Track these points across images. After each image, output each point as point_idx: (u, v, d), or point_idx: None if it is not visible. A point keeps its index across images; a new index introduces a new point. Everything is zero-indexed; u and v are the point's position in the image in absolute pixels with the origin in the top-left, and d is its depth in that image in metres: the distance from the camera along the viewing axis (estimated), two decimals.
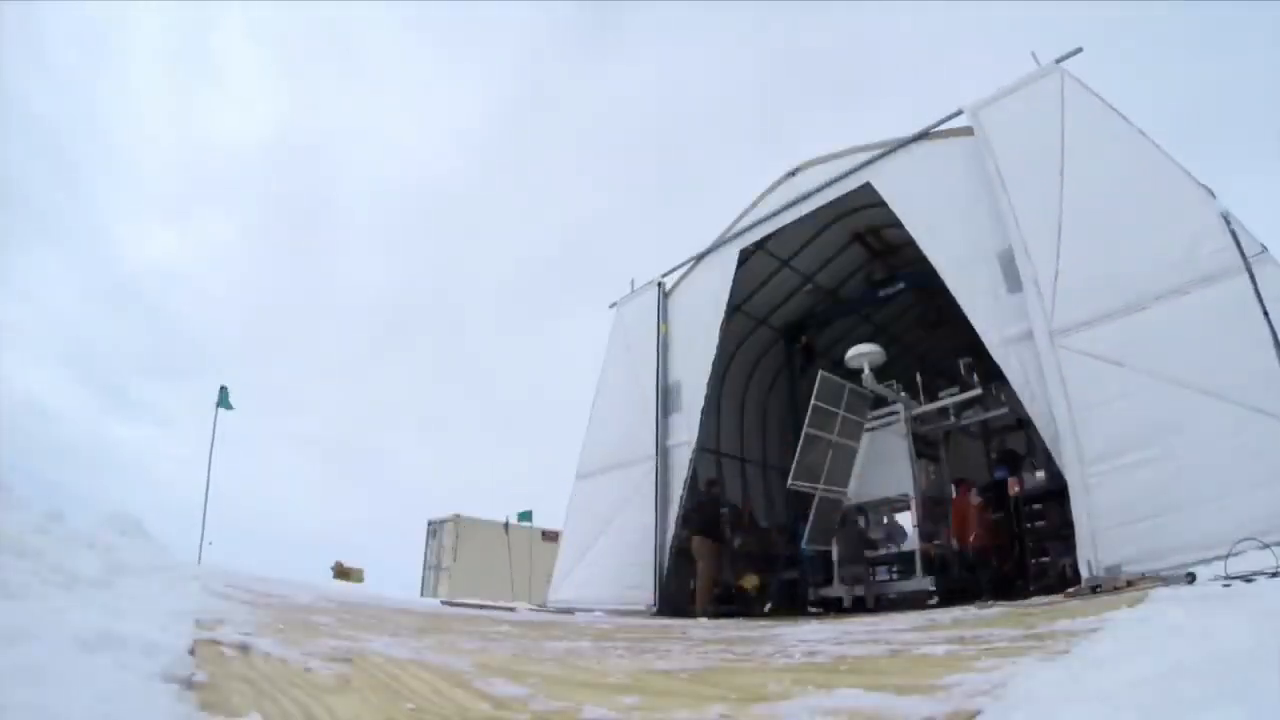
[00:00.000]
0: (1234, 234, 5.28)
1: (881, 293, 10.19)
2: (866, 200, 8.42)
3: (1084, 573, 5.37)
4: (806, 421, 8.30)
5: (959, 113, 7.37)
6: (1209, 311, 5.33)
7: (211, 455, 7.47)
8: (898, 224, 7.69)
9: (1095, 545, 5.37)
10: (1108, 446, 5.63)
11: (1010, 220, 6.68)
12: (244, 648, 1.24)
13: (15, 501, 2.20)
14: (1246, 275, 5.18)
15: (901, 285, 9.75)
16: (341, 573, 6.43)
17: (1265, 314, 5.02)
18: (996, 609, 4.32)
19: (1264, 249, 5.15)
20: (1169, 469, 5.21)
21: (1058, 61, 6.54)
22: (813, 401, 8.36)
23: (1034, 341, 6.18)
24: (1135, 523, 5.34)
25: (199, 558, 5.30)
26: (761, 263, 10.23)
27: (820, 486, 8.39)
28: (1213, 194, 5.56)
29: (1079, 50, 6.45)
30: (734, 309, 10.00)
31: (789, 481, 8.16)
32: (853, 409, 8.94)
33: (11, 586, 1.06)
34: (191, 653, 1.08)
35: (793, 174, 8.88)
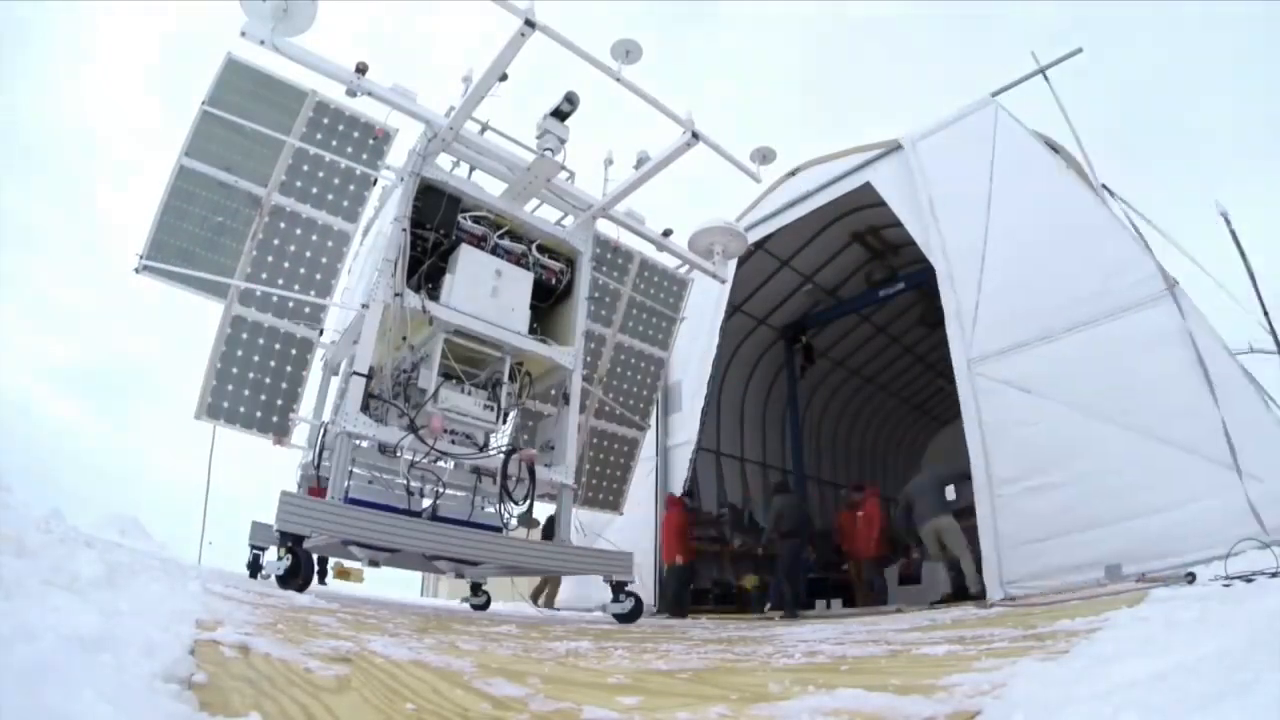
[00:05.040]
0: (1161, 268, 5.46)
1: (881, 293, 10.22)
2: (866, 200, 8.44)
3: (991, 590, 5.65)
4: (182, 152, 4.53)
5: (898, 146, 7.69)
6: (1116, 344, 5.59)
7: (211, 455, 7.45)
8: (897, 224, 7.71)
9: (1000, 564, 5.66)
10: (1015, 470, 5.91)
11: (939, 252, 6.98)
12: (244, 648, 1.23)
13: (15, 501, 2.20)
14: (1151, 310, 5.44)
15: (901, 285, 9.78)
16: (341, 573, 6.42)
17: (1193, 341, 5.18)
18: (996, 609, 4.32)
19: (1175, 283, 5.39)
20: (1071, 493, 5.48)
21: (1057, 62, 6.55)
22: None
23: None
24: (1037, 542, 5.60)
25: (199, 558, 5.29)
26: (761, 263, 10.25)
27: (196, 274, 4.48)
28: (1136, 230, 5.71)
29: (1079, 50, 6.46)
30: (734, 309, 10.02)
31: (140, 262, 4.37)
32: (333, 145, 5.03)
33: (11, 586, 1.05)
34: (191, 653, 1.08)
35: (792, 174, 8.91)
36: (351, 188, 5.13)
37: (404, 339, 4.59)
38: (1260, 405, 4.91)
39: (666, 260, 6.80)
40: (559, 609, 8.13)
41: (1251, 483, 4.72)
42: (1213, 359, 5.12)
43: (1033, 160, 6.53)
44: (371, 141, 5.18)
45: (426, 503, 4.57)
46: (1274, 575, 3.03)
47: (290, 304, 4.94)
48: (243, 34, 3.99)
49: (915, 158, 7.47)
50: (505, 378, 4.84)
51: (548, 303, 5.57)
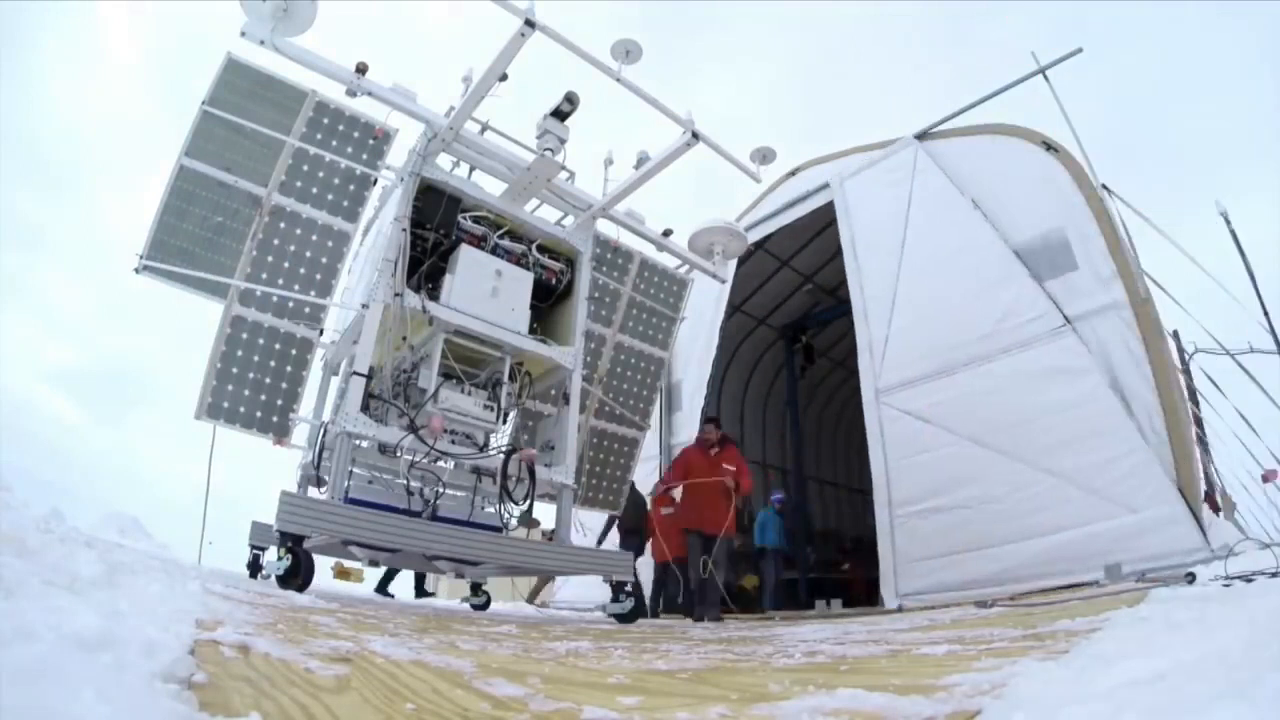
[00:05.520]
0: (1058, 306, 5.96)
1: None
2: None
3: (887, 601, 6.21)
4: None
5: (825, 185, 8.17)
6: (1007, 379, 6.09)
7: (211, 455, 7.44)
8: None
9: (896, 576, 6.30)
10: (912, 493, 6.44)
11: (857, 288, 7.51)
12: (244, 648, 1.23)
13: (15, 501, 2.20)
14: (1042, 348, 5.96)
15: None
16: (341, 573, 6.42)
17: (1081, 378, 5.65)
18: (996, 609, 4.32)
19: (1067, 321, 5.87)
20: (960, 517, 6.03)
21: (1057, 62, 6.55)
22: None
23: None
24: (928, 559, 6.18)
25: (199, 558, 5.29)
26: (761, 262, 10.26)
27: (196, 274, 4.46)
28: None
29: (1079, 50, 6.46)
30: (734, 309, 10.02)
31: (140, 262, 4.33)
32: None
33: (11, 586, 1.05)
34: (191, 653, 1.08)
35: (792, 174, 8.91)
36: (351, 188, 5.11)
37: (404, 339, 4.58)
38: (1140, 441, 5.29)
39: (666, 260, 6.80)
40: (544, 604, 8.16)
41: (1125, 514, 5.19)
42: (1097, 396, 5.54)
43: (947, 202, 6.97)
44: (371, 141, 5.17)
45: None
46: (1274, 575, 3.03)
47: (290, 304, 4.94)
48: (243, 34, 4.00)
49: (842, 197, 8.00)
50: (505, 378, 4.84)
51: (548, 303, 5.56)
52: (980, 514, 5.92)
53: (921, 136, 7.52)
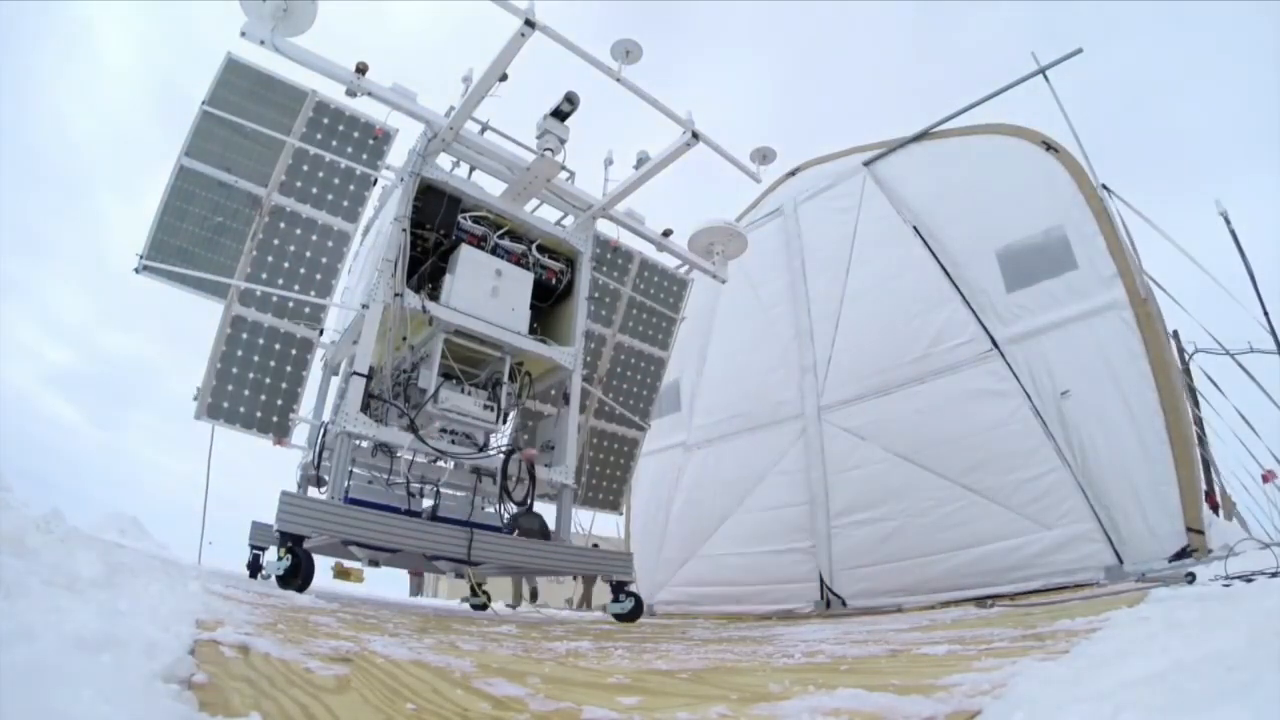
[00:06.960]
0: (987, 331, 6.26)
1: None
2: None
3: (825, 604, 6.63)
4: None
5: (778, 210, 8.50)
6: (937, 400, 6.39)
7: (210, 455, 7.41)
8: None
9: (832, 582, 6.71)
10: (846, 505, 6.79)
11: (804, 309, 7.83)
12: (244, 648, 1.23)
13: (15, 501, 2.20)
14: (969, 371, 6.24)
15: None
16: (341, 573, 6.41)
17: (1007, 398, 5.95)
18: (996, 609, 4.32)
19: (994, 346, 6.15)
20: (890, 528, 6.39)
21: (1057, 62, 6.55)
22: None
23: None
24: (859, 568, 6.57)
25: (199, 558, 5.29)
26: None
27: (196, 274, 4.42)
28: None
29: (1079, 50, 6.45)
30: None
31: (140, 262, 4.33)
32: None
33: (11, 586, 1.05)
34: (191, 653, 1.08)
35: (792, 174, 8.90)
36: (351, 188, 5.13)
37: (404, 339, 4.58)
38: (1057, 462, 5.52)
39: (666, 260, 6.80)
40: (544, 606, 8.15)
41: (1040, 531, 5.44)
42: (1018, 418, 5.79)
43: (888, 226, 7.20)
44: (371, 141, 5.19)
45: (427, 503, 4.57)
46: (1274, 575, 3.03)
47: (290, 304, 4.94)
48: (243, 34, 4.00)
49: (795, 221, 8.27)
50: (505, 378, 4.84)
51: (548, 303, 5.57)
52: (907, 527, 6.27)
53: (920, 137, 7.52)
